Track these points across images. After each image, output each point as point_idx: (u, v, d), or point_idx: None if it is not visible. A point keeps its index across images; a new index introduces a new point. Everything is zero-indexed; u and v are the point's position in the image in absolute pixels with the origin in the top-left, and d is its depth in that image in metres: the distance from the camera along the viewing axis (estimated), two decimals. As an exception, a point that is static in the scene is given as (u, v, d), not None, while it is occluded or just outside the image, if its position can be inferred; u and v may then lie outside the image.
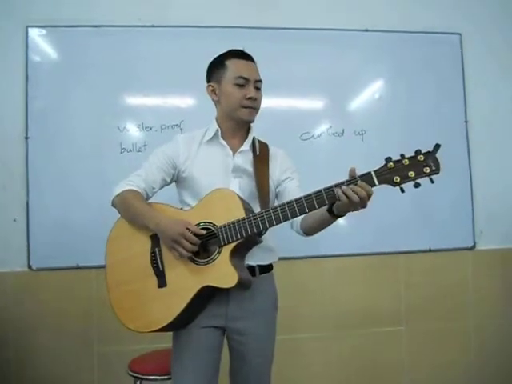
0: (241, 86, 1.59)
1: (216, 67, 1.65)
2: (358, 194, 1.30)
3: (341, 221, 2.60)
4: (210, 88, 1.66)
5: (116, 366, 2.34)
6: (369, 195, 1.32)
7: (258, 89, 1.63)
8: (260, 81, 1.64)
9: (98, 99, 2.54)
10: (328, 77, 2.72)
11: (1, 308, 2.44)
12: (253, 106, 1.61)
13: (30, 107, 2.49)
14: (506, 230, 2.85)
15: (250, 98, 1.59)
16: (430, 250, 2.77)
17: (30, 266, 2.46)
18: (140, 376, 1.96)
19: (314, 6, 2.75)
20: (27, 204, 2.47)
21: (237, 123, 1.64)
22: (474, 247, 2.83)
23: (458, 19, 2.88)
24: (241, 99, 1.59)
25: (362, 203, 1.32)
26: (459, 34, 2.87)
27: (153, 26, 2.60)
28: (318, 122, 2.73)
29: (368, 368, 2.71)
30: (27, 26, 2.51)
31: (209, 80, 1.67)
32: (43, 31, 2.53)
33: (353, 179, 1.33)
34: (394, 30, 2.80)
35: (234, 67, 1.60)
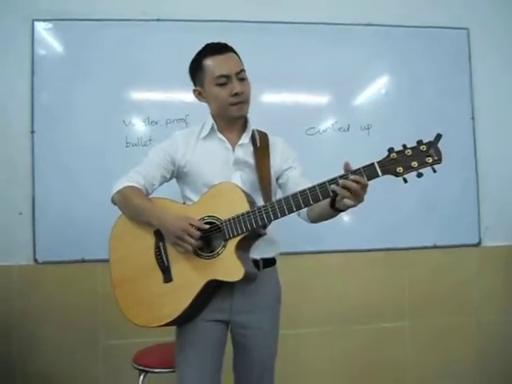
0: (223, 84, 1.55)
1: (195, 70, 1.62)
2: (349, 189, 1.29)
3: (345, 216, 2.65)
4: (196, 92, 1.65)
5: (121, 359, 2.34)
6: (363, 186, 1.29)
7: (242, 79, 1.58)
8: (242, 70, 1.59)
9: (104, 93, 2.54)
10: (333, 72, 2.71)
11: (6, 301, 2.45)
12: (241, 100, 1.57)
13: (35, 101, 2.50)
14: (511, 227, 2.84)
15: (236, 94, 1.55)
16: (435, 247, 2.76)
17: (35, 260, 2.48)
18: (145, 369, 1.98)
19: (317, 0, 2.74)
20: (33, 198, 2.48)
21: (229, 120, 1.62)
22: (479, 243, 2.82)
23: (465, 14, 2.86)
24: (227, 98, 1.55)
25: (357, 197, 1.30)
26: (466, 29, 2.85)
27: (158, 20, 2.59)
28: (324, 117, 2.72)
29: (371, 363, 2.71)
30: (33, 20, 2.51)
31: (194, 83, 1.65)
32: (49, 25, 2.53)
33: (356, 170, 1.31)
34: (399, 24, 2.78)
35: (211, 67, 1.56)
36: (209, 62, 1.57)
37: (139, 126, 2.57)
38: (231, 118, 1.61)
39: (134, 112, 2.57)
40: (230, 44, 1.62)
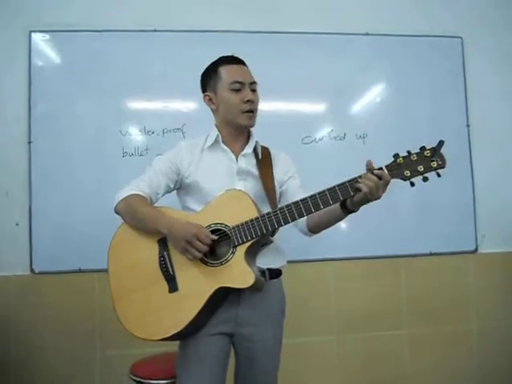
0: (237, 90, 1.58)
1: (209, 76, 1.64)
2: (374, 183, 1.33)
3: (342, 224, 2.64)
4: (207, 98, 1.66)
5: (118, 369, 2.33)
6: (386, 182, 1.34)
7: (253, 91, 1.62)
8: (255, 82, 1.64)
9: (101, 103, 2.55)
10: (329, 80, 2.73)
11: (3, 311, 2.43)
12: (252, 108, 1.60)
13: (32, 112, 2.51)
14: (508, 234, 2.85)
15: (248, 101, 1.58)
16: (432, 254, 2.76)
17: (32, 270, 2.46)
18: (142, 380, 1.96)
19: (314, 10, 2.77)
20: (30, 208, 2.48)
21: (236, 129, 1.64)
22: (476, 250, 2.82)
23: (459, 23, 2.89)
24: (239, 104, 1.58)
25: (378, 192, 1.34)
26: (460, 37, 2.88)
27: (155, 31, 2.61)
28: (320, 126, 2.74)
29: (370, 371, 2.70)
30: (30, 31, 2.52)
31: (204, 90, 1.67)
32: (46, 36, 2.54)
33: (369, 171, 1.35)
34: (394, 33, 2.81)
35: (227, 73, 1.60)
36: (224, 69, 1.61)
37: (136, 135, 2.58)
38: (239, 126, 1.62)
39: (130, 122, 2.58)
40: (225, 53, 1.66)
